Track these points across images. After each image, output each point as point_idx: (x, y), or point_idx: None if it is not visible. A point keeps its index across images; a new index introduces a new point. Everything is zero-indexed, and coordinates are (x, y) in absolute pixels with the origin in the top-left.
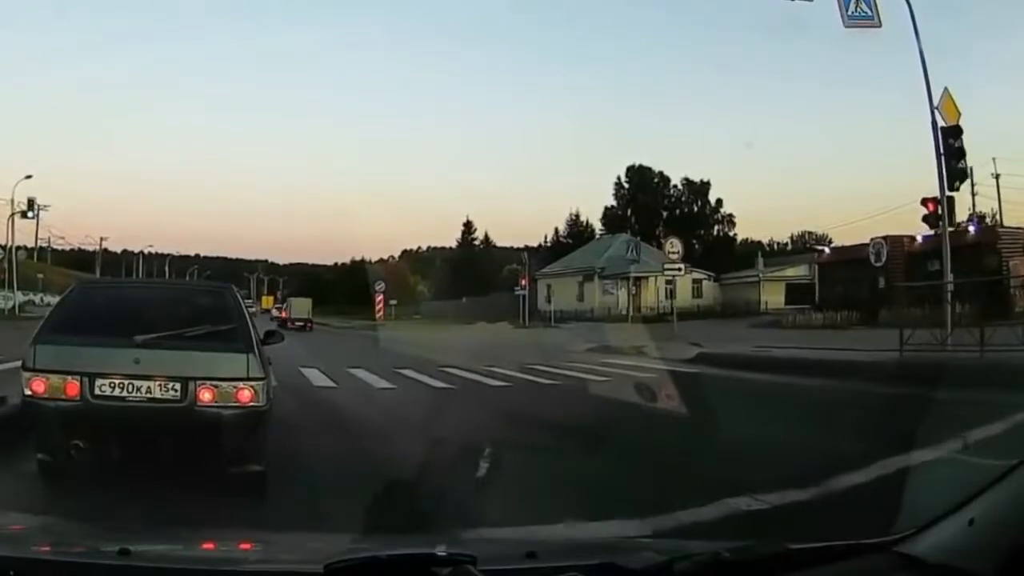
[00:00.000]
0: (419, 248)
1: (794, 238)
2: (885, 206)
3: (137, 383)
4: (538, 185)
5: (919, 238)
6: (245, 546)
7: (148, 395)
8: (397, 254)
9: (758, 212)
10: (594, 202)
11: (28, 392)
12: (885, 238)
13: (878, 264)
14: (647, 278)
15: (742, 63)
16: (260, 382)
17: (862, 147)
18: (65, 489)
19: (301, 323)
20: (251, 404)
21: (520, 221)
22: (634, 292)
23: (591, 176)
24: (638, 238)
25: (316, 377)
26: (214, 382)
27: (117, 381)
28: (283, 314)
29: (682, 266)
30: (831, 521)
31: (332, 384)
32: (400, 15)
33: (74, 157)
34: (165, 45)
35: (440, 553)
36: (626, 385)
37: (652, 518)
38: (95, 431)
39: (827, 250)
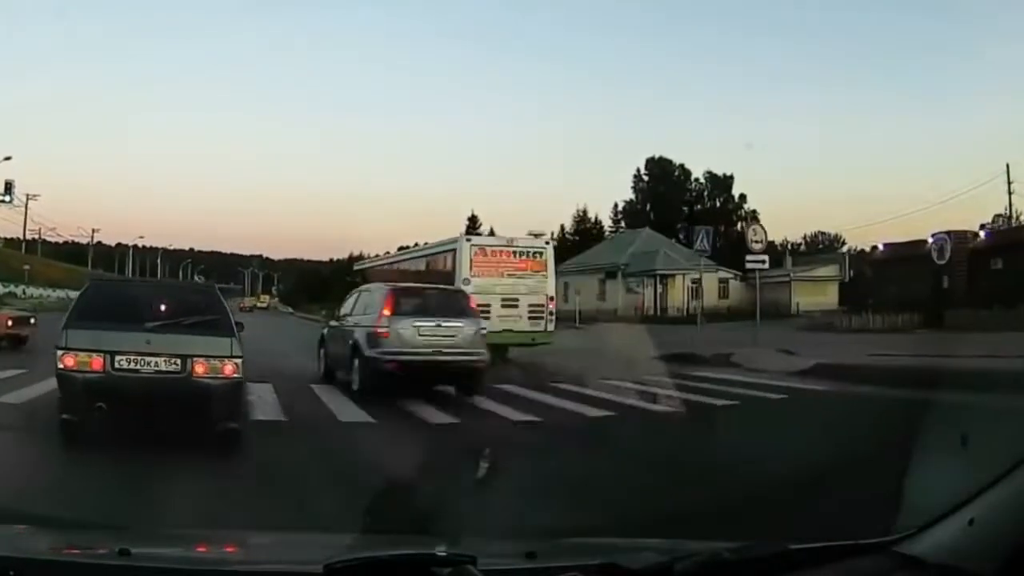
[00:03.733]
0: (415, 244)
1: (807, 238)
2: (892, 209)
3: (148, 359)
4: (538, 182)
5: (982, 234)
6: (245, 546)
7: (156, 368)
8: (394, 250)
9: (765, 212)
10: (600, 199)
11: (61, 366)
12: (948, 233)
13: (941, 262)
14: (673, 276)
15: (744, 63)
16: (240, 359)
17: (869, 149)
18: (66, 488)
19: (249, 308)
20: (233, 376)
21: (519, 219)
22: (661, 291)
23: (596, 172)
24: (711, 227)
25: (337, 401)
26: (206, 358)
27: (132, 357)
28: (241, 304)
29: (765, 258)
30: (831, 521)
31: (366, 417)
32: (399, 8)
33: (70, 151)
34: (164, 41)
35: (440, 553)
36: (781, 412)
37: (652, 518)
38: (114, 395)
39: (881, 247)
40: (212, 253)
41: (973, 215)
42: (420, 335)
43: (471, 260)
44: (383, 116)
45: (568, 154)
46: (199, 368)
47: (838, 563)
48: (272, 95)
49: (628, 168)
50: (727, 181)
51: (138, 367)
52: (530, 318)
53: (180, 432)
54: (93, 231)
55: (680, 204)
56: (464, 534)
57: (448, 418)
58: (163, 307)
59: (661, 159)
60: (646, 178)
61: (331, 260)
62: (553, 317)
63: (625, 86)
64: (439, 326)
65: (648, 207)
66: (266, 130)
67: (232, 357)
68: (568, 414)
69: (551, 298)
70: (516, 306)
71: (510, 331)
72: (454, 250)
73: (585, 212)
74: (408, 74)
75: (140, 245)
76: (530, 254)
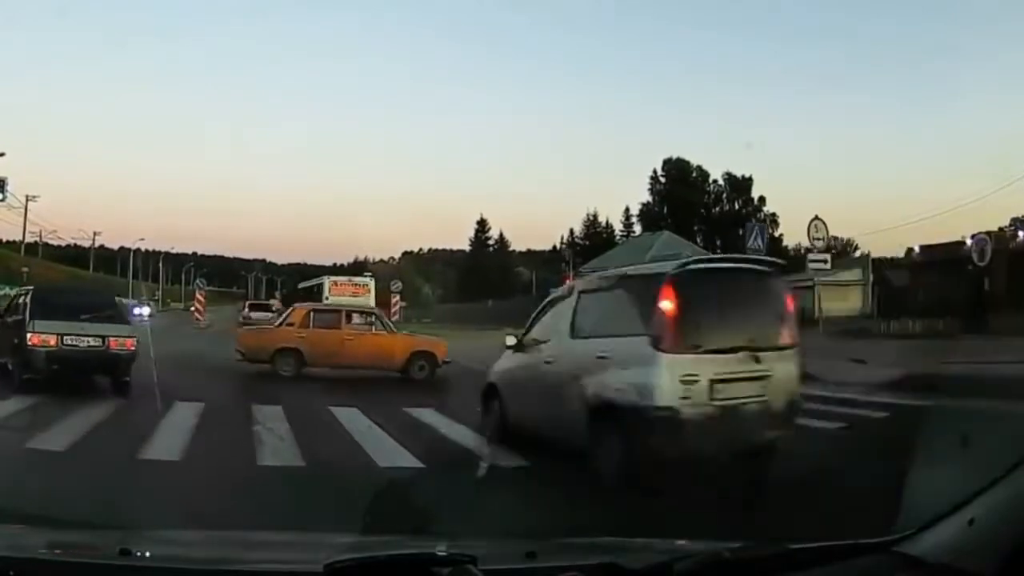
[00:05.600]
0: (420, 250)
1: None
2: (905, 214)
3: (83, 338)
4: (547, 186)
5: (1021, 235)
6: (245, 546)
7: (88, 344)
8: (398, 255)
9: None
10: (610, 203)
11: (29, 344)
12: (989, 234)
13: (982, 264)
14: None
15: (753, 65)
16: (135, 338)
17: (881, 153)
18: (66, 490)
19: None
20: (132, 348)
21: (528, 222)
22: None
23: (606, 176)
24: (764, 222)
25: (365, 431)
26: (116, 338)
27: (75, 337)
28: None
29: (827, 257)
30: (831, 521)
31: (411, 459)
32: (405, 10)
33: (73, 154)
34: (167, 42)
35: (440, 553)
36: (908, 436)
37: (652, 518)
38: (64, 361)
39: (917, 249)
40: (215, 257)
41: (989, 218)
42: (256, 316)
43: (329, 288)
44: (389, 119)
45: (577, 157)
46: (113, 343)
47: (838, 563)
48: (276, 98)
49: (638, 171)
50: (746, 183)
51: (77, 343)
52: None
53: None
54: (95, 234)
55: (698, 206)
56: (464, 534)
57: (517, 459)
58: (87, 306)
59: (679, 160)
60: (663, 180)
61: (335, 265)
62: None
63: (635, 89)
64: (264, 313)
65: (665, 210)
66: (270, 133)
67: (130, 337)
68: None
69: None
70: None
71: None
72: (323, 283)
73: (595, 216)
74: (414, 77)
75: (144, 249)
76: (360, 284)
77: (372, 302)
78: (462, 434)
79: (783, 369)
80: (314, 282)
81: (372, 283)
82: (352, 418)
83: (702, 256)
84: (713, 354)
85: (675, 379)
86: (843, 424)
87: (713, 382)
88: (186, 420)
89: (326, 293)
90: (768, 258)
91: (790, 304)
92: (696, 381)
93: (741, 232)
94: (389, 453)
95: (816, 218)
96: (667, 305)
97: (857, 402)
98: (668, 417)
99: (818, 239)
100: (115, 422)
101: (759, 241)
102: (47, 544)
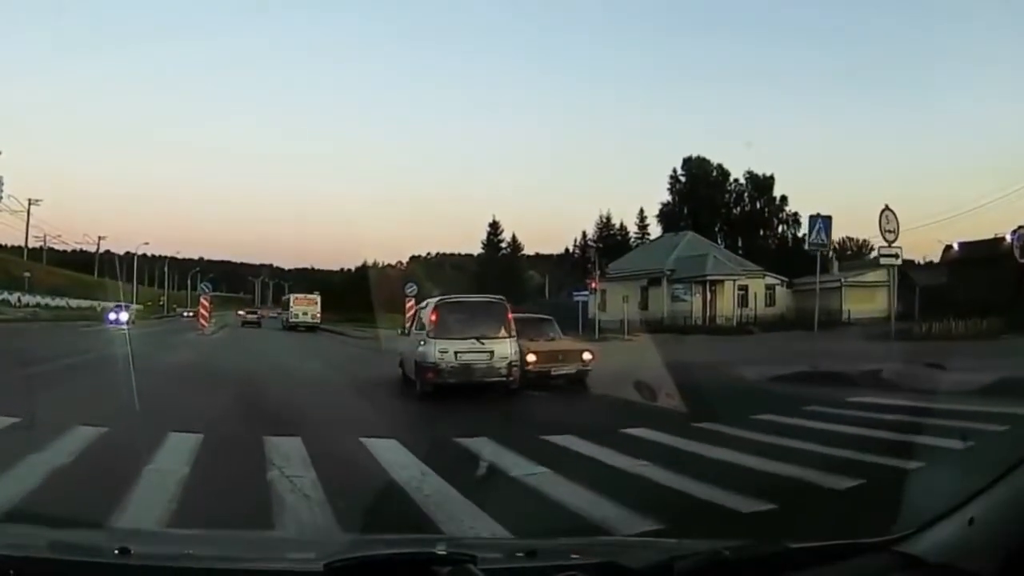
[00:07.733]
0: (428, 254)
1: (836, 243)
2: (923, 213)
3: None
4: (553, 192)
5: None
6: (245, 545)
7: None
8: (405, 260)
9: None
10: (624, 204)
11: None
12: None
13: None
14: (722, 282)
15: (761, 65)
16: None
17: (892, 154)
18: (65, 490)
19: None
20: None
21: (539, 225)
22: (710, 299)
23: (619, 178)
24: (829, 216)
25: (419, 481)
26: None
27: None
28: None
29: (899, 251)
30: (831, 521)
31: (496, 528)
32: (414, 14)
33: (78, 159)
34: (174, 45)
35: (440, 552)
36: None
37: (652, 517)
38: None
39: (956, 246)
40: (222, 262)
41: (1006, 218)
42: (249, 317)
43: (293, 300)
44: (397, 123)
45: (585, 160)
46: None
47: (838, 563)
48: (284, 101)
49: (649, 173)
50: (767, 181)
51: None
52: (311, 320)
53: None
54: (99, 239)
55: (719, 206)
56: (464, 534)
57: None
58: None
59: (699, 159)
60: (683, 178)
61: (341, 269)
62: (319, 319)
63: (645, 90)
64: (253, 315)
65: (685, 210)
66: (278, 137)
67: None
68: (800, 485)
69: (319, 312)
70: (307, 316)
71: (304, 323)
72: (290, 298)
73: (609, 218)
74: (422, 80)
75: (149, 254)
76: (310, 299)
77: (318, 310)
78: (553, 485)
79: (500, 348)
80: (286, 296)
81: (318, 297)
82: (395, 458)
83: (454, 295)
84: (456, 340)
85: (436, 350)
86: (968, 442)
87: (457, 352)
88: (177, 464)
89: (291, 304)
90: (495, 296)
91: (508, 317)
92: (447, 351)
93: (787, 228)
94: (466, 522)
95: (887, 208)
96: (432, 317)
97: (958, 413)
98: (434, 366)
99: (889, 231)
100: (82, 468)
101: (822, 235)
102: (47, 544)
